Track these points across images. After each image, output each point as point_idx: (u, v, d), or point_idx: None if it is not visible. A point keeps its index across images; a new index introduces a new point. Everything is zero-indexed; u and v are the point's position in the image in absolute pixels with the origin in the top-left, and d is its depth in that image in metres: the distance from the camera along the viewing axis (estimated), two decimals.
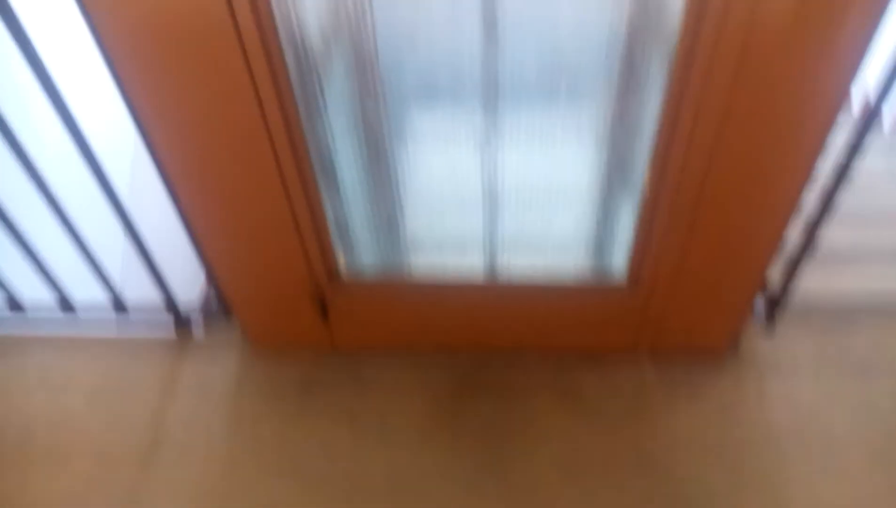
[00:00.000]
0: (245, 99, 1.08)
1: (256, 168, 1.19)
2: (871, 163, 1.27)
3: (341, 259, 1.45)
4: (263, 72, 1.05)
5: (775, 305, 1.56)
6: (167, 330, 1.68)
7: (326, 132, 1.24)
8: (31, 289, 1.62)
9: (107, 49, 1.05)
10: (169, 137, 1.17)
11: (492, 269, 1.47)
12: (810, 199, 1.27)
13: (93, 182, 1.35)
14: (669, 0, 1.06)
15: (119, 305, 1.64)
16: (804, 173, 1.17)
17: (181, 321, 1.67)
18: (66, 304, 1.64)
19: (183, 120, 1.14)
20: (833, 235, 1.44)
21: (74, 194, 1.43)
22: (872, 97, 1.18)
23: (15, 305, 1.67)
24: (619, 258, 1.42)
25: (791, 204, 1.22)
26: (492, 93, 1.22)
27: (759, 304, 1.58)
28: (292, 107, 1.13)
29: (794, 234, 1.35)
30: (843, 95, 1.04)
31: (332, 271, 1.44)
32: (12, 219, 1.44)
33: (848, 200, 1.35)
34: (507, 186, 1.35)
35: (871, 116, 1.20)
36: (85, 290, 1.62)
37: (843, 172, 1.29)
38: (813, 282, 1.56)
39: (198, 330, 1.68)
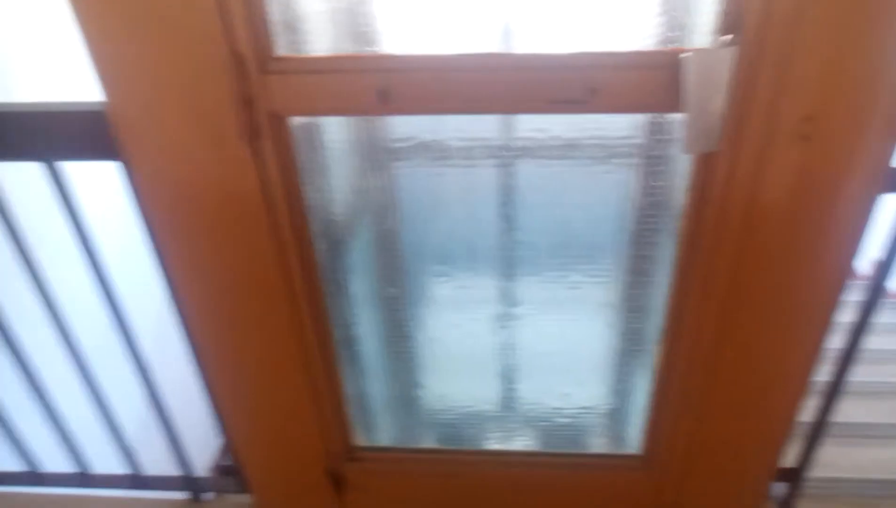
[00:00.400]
0: (272, 271, 1.14)
1: (280, 341, 1.23)
2: (880, 335, 1.30)
3: (358, 433, 1.44)
4: (291, 246, 1.11)
5: (793, 484, 1.52)
6: (178, 499, 1.65)
7: (348, 304, 1.29)
8: (45, 447, 1.62)
9: (145, 213, 1.11)
10: (198, 304, 1.22)
11: (508, 441, 1.46)
12: (822, 373, 1.28)
13: (120, 346, 1.39)
14: (674, 182, 1.13)
15: (134, 473, 1.62)
16: (814, 346, 1.18)
17: (193, 490, 1.65)
18: (78, 464, 1.62)
19: (212, 288, 1.19)
20: (847, 411, 1.43)
21: (98, 355, 1.46)
22: (877, 270, 1.20)
23: (30, 468, 1.65)
24: (634, 435, 1.42)
25: (803, 378, 1.23)
26: (508, 265, 1.28)
27: (778, 483, 1.54)
28: (317, 280, 1.18)
29: (808, 410, 1.35)
30: (846, 269, 1.08)
31: (347, 445, 1.44)
32: (32, 372, 1.45)
33: (859, 374, 1.36)
34: (523, 355, 1.37)
35: (877, 288, 1.22)
36: (98, 450, 1.61)
37: (853, 344, 1.30)
38: (830, 460, 1.53)
39: (209, 500, 1.65)
